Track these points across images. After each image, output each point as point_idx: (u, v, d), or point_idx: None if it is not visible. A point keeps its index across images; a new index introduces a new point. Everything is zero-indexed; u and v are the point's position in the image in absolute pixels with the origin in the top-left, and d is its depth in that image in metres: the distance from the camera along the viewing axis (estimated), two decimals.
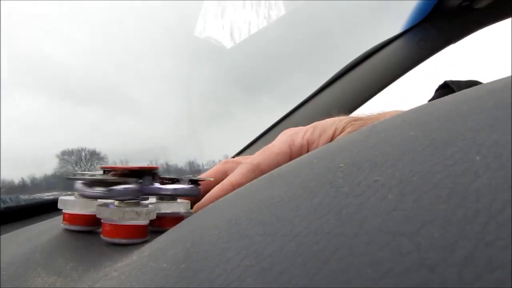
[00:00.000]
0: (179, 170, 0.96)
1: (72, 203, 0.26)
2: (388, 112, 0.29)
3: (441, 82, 0.55)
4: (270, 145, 0.30)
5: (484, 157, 0.10)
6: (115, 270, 0.17)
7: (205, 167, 0.98)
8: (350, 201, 0.11)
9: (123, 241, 0.23)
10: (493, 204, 0.08)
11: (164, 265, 0.14)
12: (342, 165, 0.13)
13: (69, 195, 0.28)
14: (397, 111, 0.27)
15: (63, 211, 0.26)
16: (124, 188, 0.24)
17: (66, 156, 0.90)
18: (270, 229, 0.12)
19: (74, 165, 0.89)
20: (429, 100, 0.45)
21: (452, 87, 0.52)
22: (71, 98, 0.81)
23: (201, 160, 0.99)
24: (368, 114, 0.31)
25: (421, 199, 0.10)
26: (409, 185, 0.10)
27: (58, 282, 0.19)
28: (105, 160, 0.93)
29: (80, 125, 0.84)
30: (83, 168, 0.90)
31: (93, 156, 0.92)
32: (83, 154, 0.91)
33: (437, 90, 0.56)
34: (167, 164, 0.96)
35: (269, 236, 0.11)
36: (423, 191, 0.10)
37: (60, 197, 0.27)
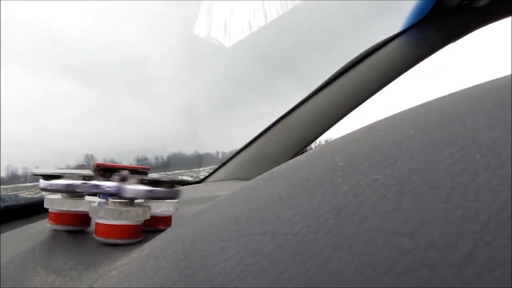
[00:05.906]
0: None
1: (59, 202, 0.25)
2: None
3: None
4: None
5: (484, 156, 0.10)
6: (114, 269, 0.17)
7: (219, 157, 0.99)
8: (349, 200, 0.11)
9: (119, 241, 0.23)
10: (493, 203, 0.08)
11: (164, 263, 0.14)
12: (342, 164, 0.13)
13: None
14: None
15: (49, 210, 0.26)
16: (66, 184, 0.24)
17: None
18: (269, 228, 0.12)
19: None
20: None
21: None
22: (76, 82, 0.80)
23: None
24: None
25: (420, 198, 0.10)
26: (408, 184, 0.10)
27: (58, 281, 0.19)
28: None
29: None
30: None
31: None
32: None
33: None
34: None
35: (269, 235, 0.11)
36: (422, 190, 0.10)
37: (46, 196, 0.26)
